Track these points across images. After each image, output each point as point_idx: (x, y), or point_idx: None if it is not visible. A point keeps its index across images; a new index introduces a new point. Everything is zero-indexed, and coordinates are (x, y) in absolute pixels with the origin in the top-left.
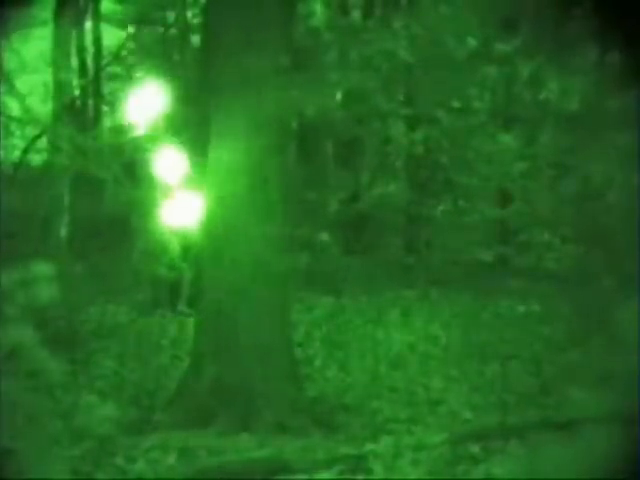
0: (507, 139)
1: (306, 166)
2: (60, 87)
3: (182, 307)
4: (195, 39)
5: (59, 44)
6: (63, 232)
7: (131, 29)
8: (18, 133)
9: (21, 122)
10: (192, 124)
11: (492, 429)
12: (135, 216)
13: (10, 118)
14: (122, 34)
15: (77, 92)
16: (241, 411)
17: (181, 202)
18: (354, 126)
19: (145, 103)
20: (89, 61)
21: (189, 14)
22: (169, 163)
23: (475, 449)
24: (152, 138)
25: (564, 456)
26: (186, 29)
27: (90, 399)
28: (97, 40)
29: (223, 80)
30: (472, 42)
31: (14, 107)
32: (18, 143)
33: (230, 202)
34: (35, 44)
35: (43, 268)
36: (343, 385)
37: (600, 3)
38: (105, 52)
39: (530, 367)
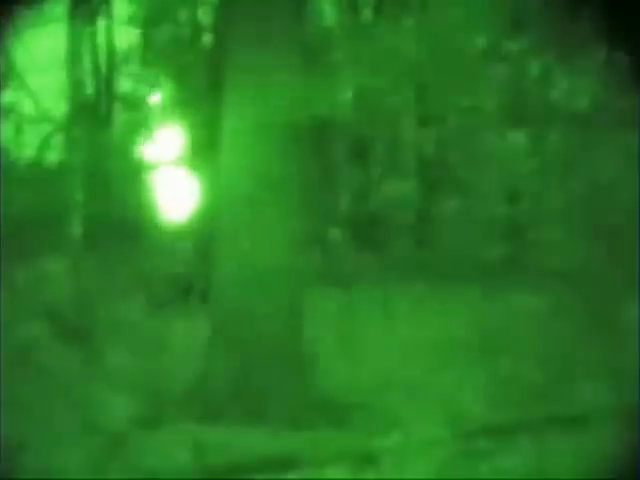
0: (516, 137)
1: (317, 164)
2: (74, 85)
3: (195, 302)
4: (206, 38)
5: (73, 42)
6: (76, 229)
7: (143, 28)
8: (31, 131)
9: (35, 120)
10: (203, 122)
11: (502, 424)
12: (147, 212)
13: (23, 116)
14: (135, 33)
15: (90, 90)
16: (252, 406)
17: (192, 196)
18: (364, 124)
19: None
20: (102, 60)
21: (200, 13)
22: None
23: (485, 444)
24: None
25: (574, 451)
26: (197, 28)
27: (103, 395)
28: (110, 39)
29: (234, 78)
30: (482, 41)
31: (27, 105)
32: (31, 141)
33: (242, 200)
34: (48, 42)
35: (57, 265)
36: (353, 380)
37: (609, 3)
38: (118, 51)
39: (540, 363)
